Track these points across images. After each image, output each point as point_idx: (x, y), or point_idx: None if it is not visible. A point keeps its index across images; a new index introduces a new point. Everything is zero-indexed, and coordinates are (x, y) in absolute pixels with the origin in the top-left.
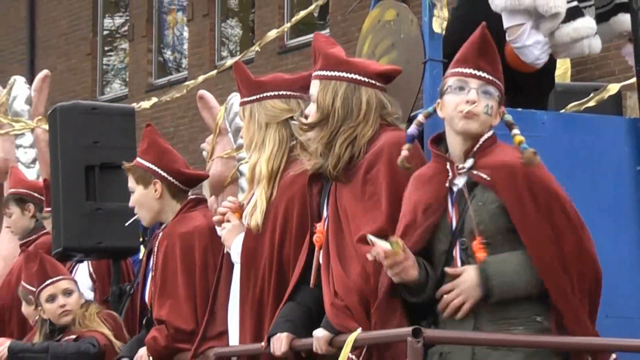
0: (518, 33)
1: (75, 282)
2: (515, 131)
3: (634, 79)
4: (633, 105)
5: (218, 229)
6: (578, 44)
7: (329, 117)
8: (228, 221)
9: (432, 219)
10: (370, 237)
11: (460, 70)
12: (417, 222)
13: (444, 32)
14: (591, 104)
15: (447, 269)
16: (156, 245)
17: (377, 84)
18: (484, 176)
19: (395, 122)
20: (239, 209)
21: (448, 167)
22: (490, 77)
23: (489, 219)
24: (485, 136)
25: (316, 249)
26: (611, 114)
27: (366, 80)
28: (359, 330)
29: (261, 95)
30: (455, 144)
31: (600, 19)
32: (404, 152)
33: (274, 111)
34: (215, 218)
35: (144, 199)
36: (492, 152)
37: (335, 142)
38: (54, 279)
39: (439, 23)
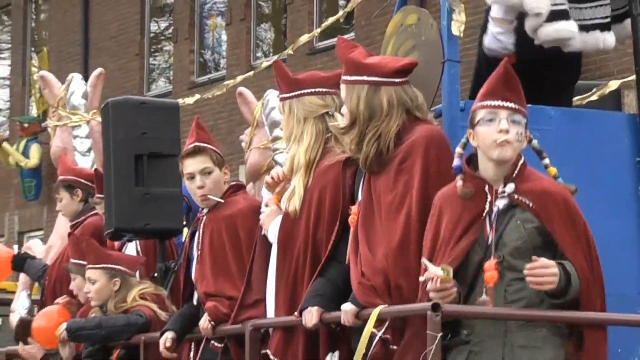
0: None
1: (110, 271)
2: (546, 161)
3: (631, 77)
4: (630, 102)
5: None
6: (591, 36)
7: (356, 120)
8: (267, 205)
9: (474, 237)
10: (425, 262)
11: (489, 102)
12: (453, 239)
13: (461, 35)
14: (593, 98)
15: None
16: (201, 227)
17: (396, 80)
18: (527, 201)
19: (425, 115)
20: (285, 179)
21: (486, 189)
22: (517, 106)
23: (527, 236)
24: (521, 162)
25: (351, 229)
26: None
27: (384, 80)
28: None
29: (299, 92)
30: (489, 169)
31: (615, 20)
32: (459, 183)
33: (311, 107)
34: (268, 179)
35: (219, 180)
36: (529, 179)
37: (363, 141)
38: (88, 265)
39: (457, 26)
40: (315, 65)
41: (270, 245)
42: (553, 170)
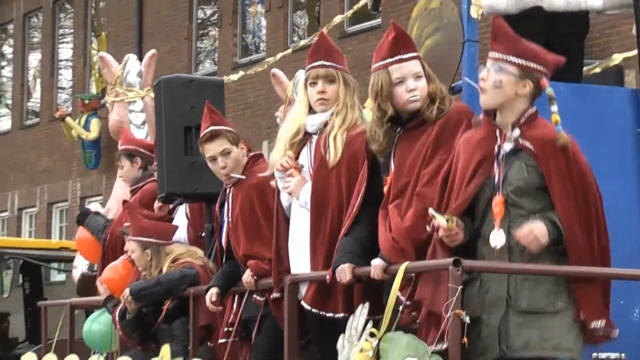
0: None
1: (144, 244)
2: (554, 108)
3: (632, 52)
4: (631, 81)
5: (276, 180)
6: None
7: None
8: (290, 176)
9: (484, 177)
10: (432, 212)
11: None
12: (466, 179)
13: (479, 17)
14: (597, 70)
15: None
16: (230, 197)
17: None
18: (529, 146)
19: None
20: (297, 167)
21: (497, 133)
22: (501, 56)
23: (528, 177)
24: (530, 111)
25: (384, 197)
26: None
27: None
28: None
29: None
30: (499, 116)
31: None
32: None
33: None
34: (278, 167)
35: (238, 157)
36: (537, 126)
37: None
38: (131, 236)
39: (475, 10)
40: (346, 48)
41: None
42: (556, 117)
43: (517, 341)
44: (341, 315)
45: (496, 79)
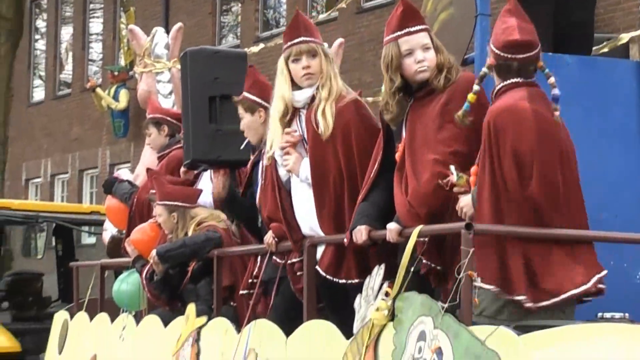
0: None
1: (169, 207)
2: (475, 87)
3: (638, 32)
4: (634, 54)
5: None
6: None
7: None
8: (288, 154)
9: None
10: (452, 168)
11: None
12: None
13: None
14: (605, 50)
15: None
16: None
17: None
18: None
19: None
20: (297, 140)
21: None
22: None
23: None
24: (499, 86)
25: (398, 162)
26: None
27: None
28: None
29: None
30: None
31: None
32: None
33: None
34: (282, 145)
35: (252, 124)
36: (500, 98)
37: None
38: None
39: None
40: (362, 22)
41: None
42: (470, 95)
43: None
44: (356, 281)
45: None
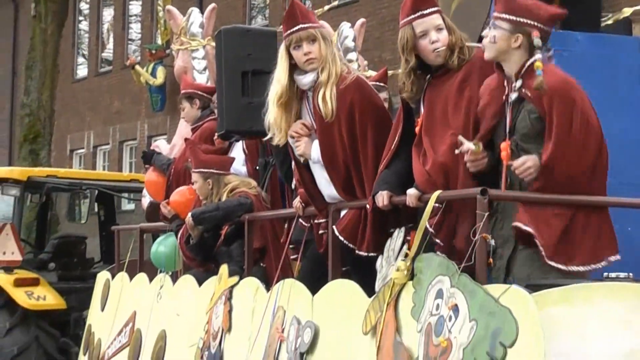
0: None
1: (204, 174)
2: (538, 56)
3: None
4: (637, 32)
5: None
6: None
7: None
8: (299, 140)
9: (495, 121)
10: (460, 138)
11: None
12: (485, 120)
13: None
14: (610, 22)
15: (514, 162)
16: None
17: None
18: (529, 94)
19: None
20: (309, 131)
21: (505, 83)
22: (497, 14)
23: (531, 125)
24: (529, 62)
25: (417, 135)
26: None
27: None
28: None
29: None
30: (505, 68)
31: None
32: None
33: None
34: (292, 134)
35: None
36: (535, 75)
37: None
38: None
39: None
40: (382, 4)
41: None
42: (538, 63)
43: (521, 274)
44: (371, 254)
45: (491, 35)
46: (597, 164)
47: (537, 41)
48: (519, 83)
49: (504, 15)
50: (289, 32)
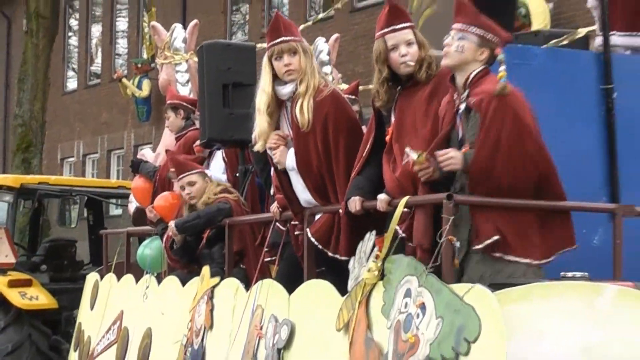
0: None
1: (202, 173)
2: (502, 67)
3: (594, 27)
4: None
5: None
6: None
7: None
8: (276, 147)
9: (446, 130)
10: (407, 150)
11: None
12: (440, 130)
13: None
14: (565, 42)
15: (438, 152)
16: None
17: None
18: (472, 102)
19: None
20: (285, 140)
21: (455, 96)
22: (464, 26)
23: (478, 132)
24: (475, 71)
25: (387, 143)
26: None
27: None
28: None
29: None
30: (457, 79)
31: None
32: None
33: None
34: (270, 145)
35: None
36: (482, 83)
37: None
38: (185, 174)
39: None
40: (355, 20)
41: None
42: (502, 73)
43: (474, 274)
44: (343, 258)
45: (459, 44)
46: (541, 168)
47: (501, 56)
48: (465, 94)
49: (474, 29)
50: (271, 43)
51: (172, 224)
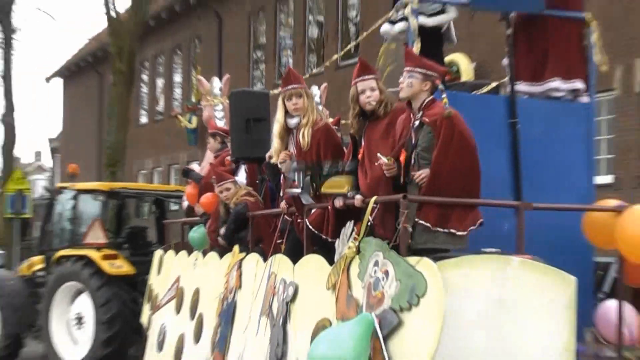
0: None
1: (234, 182)
2: (444, 95)
3: (504, 79)
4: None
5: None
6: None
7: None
8: (284, 161)
9: (404, 140)
10: (378, 154)
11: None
12: (400, 141)
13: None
14: (484, 90)
15: (415, 174)
16: None
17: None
18: (427, 120)
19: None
20: (290, 156)
21: (411, 115)
22: (412, 68)
23: (428, 141)
24: (427, 99)
25: (360, 159)
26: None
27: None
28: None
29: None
30: (413, 104)
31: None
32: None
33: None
34: (280, 160)
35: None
36: (432, 107)
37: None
38: (222, 182)
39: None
40: (340, 75)
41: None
42: (445, 100)
43: (419, 240)
44: (331, 240)
45: (409, 81)
46: (472, 169)
47: (441, 86)
48: (419, 114)
49: (418, 69)
50: (285, 88)
51: (220, 238)
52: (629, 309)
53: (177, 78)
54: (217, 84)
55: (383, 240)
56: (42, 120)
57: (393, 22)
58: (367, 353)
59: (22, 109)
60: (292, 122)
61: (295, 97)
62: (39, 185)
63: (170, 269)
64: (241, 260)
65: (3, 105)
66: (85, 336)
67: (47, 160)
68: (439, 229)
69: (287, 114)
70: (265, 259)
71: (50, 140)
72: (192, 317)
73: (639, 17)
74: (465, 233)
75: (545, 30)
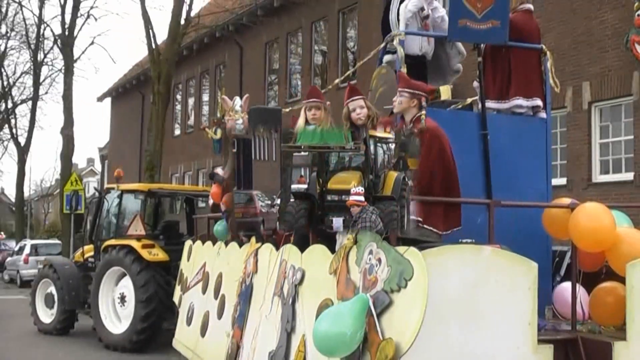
0: None
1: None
2: (423, 112)
3: (476, 97)
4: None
5: None
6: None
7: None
8: None
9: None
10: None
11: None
12: None
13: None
14: (460, 107)
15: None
16: None
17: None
18: (415, 131)
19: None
20: None
21: (403, 127)
22: (402, 89)
23: (416, 148)
24: (415, 115)
25: None
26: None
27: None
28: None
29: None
30: (405, 117)
31: None
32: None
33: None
34: None
35: None
36: (419, 121)
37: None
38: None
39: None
40: (340, 95)
41: None
42: (423, 116)
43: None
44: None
45: (399, 100)
46: (450, 174)
47: (424, 104)
48: (410, 126)
49: (406, 90)
50: (307, 101)
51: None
52: (581, 290)
53: (205, 97)
54: (238, 102)
55: (376, 233)
56: (94, 132)
57: (393, 52)
58: (363, 328)
59: (78, 123)
60: (310, 128)
61: (314, 109)
62: (90, 186)
63: (198, 257)
64: (257, 249)
65: (63, 120)
66: (127, 312)
67: (97, 166)
68: (427, 227)
69: (307, 122)
70: (277, 248)
71: (100, 149)
72: (216, 297)
73: (586, 49)
74: (447, 233)
75: (509, 58)
